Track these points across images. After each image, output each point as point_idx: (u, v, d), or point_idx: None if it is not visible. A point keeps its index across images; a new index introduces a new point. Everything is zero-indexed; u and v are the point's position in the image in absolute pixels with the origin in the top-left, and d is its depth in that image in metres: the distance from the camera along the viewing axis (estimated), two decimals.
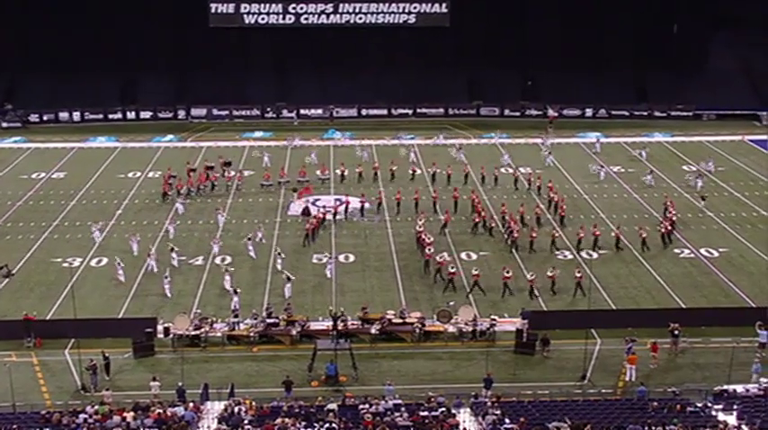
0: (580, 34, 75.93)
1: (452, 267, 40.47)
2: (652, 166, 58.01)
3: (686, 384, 31.23)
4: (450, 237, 45.97)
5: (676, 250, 44.59)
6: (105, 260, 43.03)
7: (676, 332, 34.32)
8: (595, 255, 43.47)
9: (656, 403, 28.51)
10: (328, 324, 34.01)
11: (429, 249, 41.80)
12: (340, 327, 33.10)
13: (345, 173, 55.53)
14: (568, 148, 63.99)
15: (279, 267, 41.57)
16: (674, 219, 46.88)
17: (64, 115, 73.14)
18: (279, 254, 42.28)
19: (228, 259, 43.15)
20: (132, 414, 28.00)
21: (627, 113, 75.07)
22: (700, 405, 28.87)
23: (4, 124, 71.01)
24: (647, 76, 76.63)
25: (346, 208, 49.61)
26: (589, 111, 75.15)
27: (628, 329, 34.55)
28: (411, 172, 55.97)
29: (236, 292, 37.52)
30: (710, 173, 57.09)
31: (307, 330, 35.16)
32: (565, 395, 30.38)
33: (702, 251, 44.47)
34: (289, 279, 39.46)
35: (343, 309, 35.03)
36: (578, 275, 39.14)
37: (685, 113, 74.45)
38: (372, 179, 55.42)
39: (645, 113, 74.92)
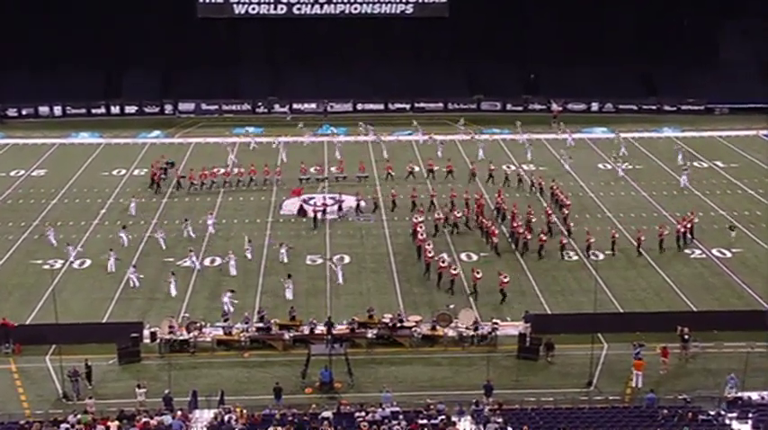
0: (585, 25, 76.08)
1: (455, 269, 40.47)
2: (624, 159, 58.67)
3: (698, 391, 31.22)
4: (448, 237, 46.00)
5: (687, 250, 44.59)
6: (89, 262, 42.93)
7: (686, 336, 34.32)
8: (602, 256, 43.45)
9: (666, 411, 28.52)
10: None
11: (429, 252, 41.71)
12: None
13: (392, 172, 55.46)
14: (574, 144, 64.02)
15: (285, 260, 42.16)
16: (690, 226, 45.73)
17: (44, 110, 73.00)
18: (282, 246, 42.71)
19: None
20: (117, 423, 27.98)
21: (635, 108, 75.14)
22: (713, 413, 28.90)
23: None
24: (655, 69, 76.66)
25: (340, 207, 49.57)
26: (595, 106, 75.19)
27: (636, 333, 34.53)
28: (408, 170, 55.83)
29: (227, 294, 37.63)
30: (685, 167, 56.91)
31: (302, 335, 35.12)
32: (570, 402, 30.36)
33: (714, 251, 44.48)
34: (289, 276, 39.69)
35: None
36: (505, 281, 39.08)
37: (696, 107, 74.54)
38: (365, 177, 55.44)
39: (654, 108, 75.03)
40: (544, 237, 44.04)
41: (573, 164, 57.76)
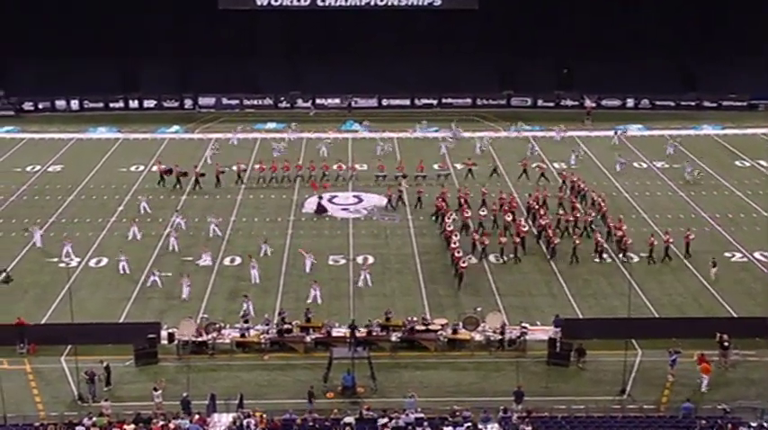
0: (620, 17, 75.57)
1: (464, 262, 40.83)
2: (621, 153, 58.74)
3: (738, 401, 30.96)
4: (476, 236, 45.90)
5: (726, 253, 44.20)
6: (105, 260, 43.32)
7: (726, 343, 34.01)
8: (636, 259, 43.15)
9: (704, 421, 28.26)
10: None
11: (458, 252, 41.75)
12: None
13: (473, 168, 55.47)
14: (607, 142, 63.63)
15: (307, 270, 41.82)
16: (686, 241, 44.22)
17: (61, 103, 73.75)
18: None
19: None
20: (133, 426, 28.24)
21: (672, 104, 74.47)
22: (754, 425, 28.57)
23: None
24: (695, 63, 75.94)
25: (390, 203, 50.14)
26: (630, 102, 74.68)
27: (672, 340, 34.28)
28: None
29: (245, 297, 37.88)
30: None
31: (324, 337, 35.21)
32: (602, 411, 30.20)
33: (756, 255, 44.03)
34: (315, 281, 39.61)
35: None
36: (463, 265, 40.28)
37: (738, 103, 73.70)
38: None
39: (693, 104, 74.30)
40: (578, 241, 43.66)
41: (580, 160, 57.88)
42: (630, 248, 43.33)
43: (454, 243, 42.97)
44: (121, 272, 41.75)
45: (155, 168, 56.73)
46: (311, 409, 29.96)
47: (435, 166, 56.44)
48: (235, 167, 55.31)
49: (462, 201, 48.45)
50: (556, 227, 45.69)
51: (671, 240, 43.55)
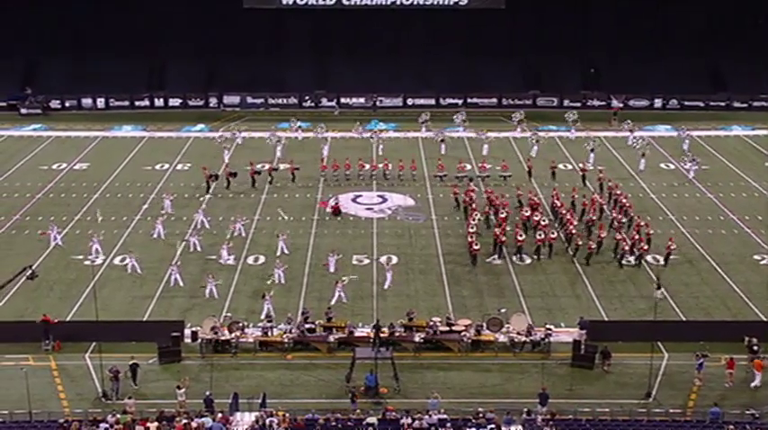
0: (648, 16, 74.98)
1: (476, 244, 42.02)
2: (644, 153, 57.83)
3: (767, 407, 30.65)
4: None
5: (756, 256, 43.76)
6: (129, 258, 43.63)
7: (755, 347, 33.70)
8: (662, 260, 42.82)
9: (731, 426, 28.07)
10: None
11: (471, 236, 42.61)
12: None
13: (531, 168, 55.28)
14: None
15: (332, 269, 41.85)
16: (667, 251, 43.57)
17: (87, 102, 74.36)
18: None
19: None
20: (156, 424, 28.43)
21: (702, 104, 73.85)
22: None
23: (24, 110, 72.39)
24: (725, 63, 75.25)
25: (457, 204, 49.99)
26: (658, 102, 74.13)
27: (699, 343, 33.98)
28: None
29: (263, 297, 38.00)
30: (693, 158, 56.43)
31: (347, 337, 35.27)
32: (627, 414, 30.10)
33: None
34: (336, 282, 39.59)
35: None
36: (476, 248, 42.26)
37: None
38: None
39: (723, 104, 73.64)
40: (626, 243, 43.04)
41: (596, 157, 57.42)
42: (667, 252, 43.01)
43: (471, 227, 43.81)
44: (129, 271, 41.92)
45: (179, 166, 56.89)
46: (355, 409, 30.11)
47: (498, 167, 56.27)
48: (267, 167, 55.65)
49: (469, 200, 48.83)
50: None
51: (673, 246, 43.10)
